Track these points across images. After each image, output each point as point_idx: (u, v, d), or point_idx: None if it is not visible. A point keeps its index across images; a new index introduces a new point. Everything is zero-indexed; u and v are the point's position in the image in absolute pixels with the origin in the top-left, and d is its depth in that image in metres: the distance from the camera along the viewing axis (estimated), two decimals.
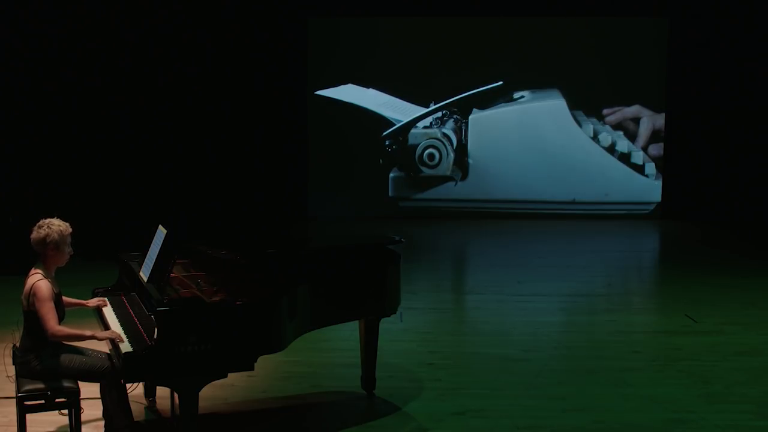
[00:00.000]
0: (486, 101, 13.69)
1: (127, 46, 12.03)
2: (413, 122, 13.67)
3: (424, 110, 13.71)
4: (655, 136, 13.67)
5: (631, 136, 13.69)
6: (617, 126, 13.71)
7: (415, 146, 13.74)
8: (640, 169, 13.73)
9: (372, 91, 13.66)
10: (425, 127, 13.74)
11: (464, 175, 13.81)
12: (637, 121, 13.69)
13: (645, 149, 13.65)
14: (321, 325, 4.93)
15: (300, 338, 4.72)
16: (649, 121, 13.61)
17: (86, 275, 6.58)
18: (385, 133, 13.68)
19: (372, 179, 13.79)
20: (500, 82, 13.54)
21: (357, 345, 5.57)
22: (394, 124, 13.73)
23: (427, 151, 13.69)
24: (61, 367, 4.37)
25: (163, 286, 4.55)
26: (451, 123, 13.70)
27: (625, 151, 13.70)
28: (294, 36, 13.37)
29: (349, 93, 13.68)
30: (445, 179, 13.79)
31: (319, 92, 13.68)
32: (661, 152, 13.66)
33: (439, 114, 13.71)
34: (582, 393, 5.69)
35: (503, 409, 5.38)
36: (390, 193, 13.89)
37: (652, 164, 13.70)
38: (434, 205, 13.84)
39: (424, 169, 13.75)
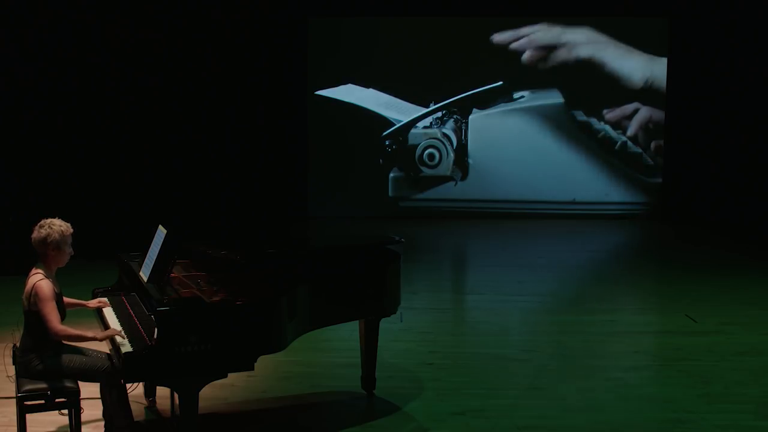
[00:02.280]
0: (486, 101, 13.69)
1: (127, 47, 12.03)
2: (413, 122, 13.67)
3: (424, 110, 13.71)
4: (655, 136, 13.66)
5: (630, 135, 13.69)
6: (617, 125, 13.70)
7: (415, 146, 13.74)
8: (640, 169, 13.73)
9: (372, 91, 13.66)
10: (425, 127, 13.75)
11: (464, 175, 13.81)
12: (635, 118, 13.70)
13: (636, 138, 13.61)
14: (321, 325, 4.94)
15: (300, 338, 4.72)
16: (647, 111, 13.58)
17: (86, 275, 6.58)
18: (384, 133, 13.68)
19: (372, 179, 13.79)
20: (500, 83, 13.54)
21: (357, 345, 5.58)
22: (394, 124, 13.72)
23: (427, 151, 13.69)
24: (61, 367, 4.37)
25: (163, 286, 4.55)
26: (451, 123, 13.70)
27: (625, 151, 13.70)
28: (294, 35, 13.37)
29: (349, 93, 13.68)
30: (445, 179, 13.79)
31: (320, 92, 13.69)
32: (661, 152, 13.66)
33: (439, 114, 13.71)
34: (582, 393, 5.69)
35: (503, 409, 5.38)
36: (390, 193, 13.89)
37: (652, 164, 13.70)
38: (434, 205, 13.83)
39: (424, 169, 13.75)
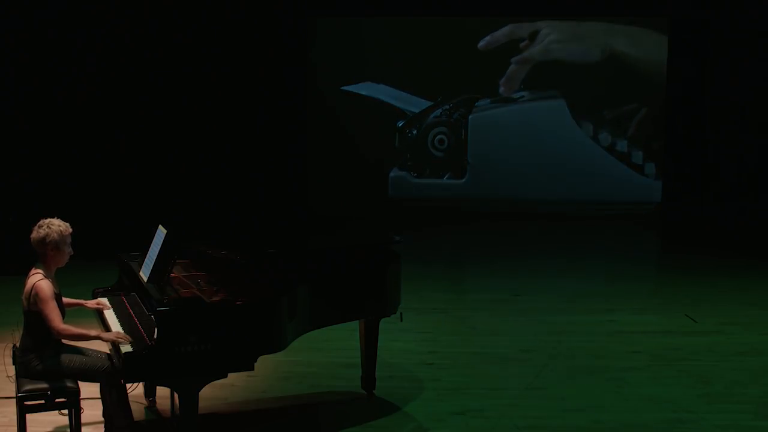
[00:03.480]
0: (486, 100, 13.70)
1: (128, 45, 12.02)
2: (427, 111, 13.73)
3: (430, 103, 13.79)
4: (655, 136, 13.65)
5: (629, 135, 13.69)
6: (617, 125, 13.70)
7: (427, 132, 13.79)
8: (640, 169, 13.72)
9: (385, 88, 13.76)
10: (435, 117, 13.80)
11: (464, 175, 13.81)
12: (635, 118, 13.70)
13: (636, 138, 13.61)
14: (321, 325, 4.94)
15: (300, 338, 4.72)
16: (647, 112, 13.58)
17: (86, 275, 6.58)
18: (401, 124, 13.75)
19: (372, 178, 13.79)
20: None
21: (357, 345, 5.58)
22: (400, 119, 13.78)
23: (437, 137, 13.76)
24: (61, 367, 4.37)
25: (163, 286, 4.55)
26: (455, 118, 13.76)
27: (625, 151, 13.70)
28: (293, 34, 13.36)
29: (368, 89, 13.79)
30: (447, 167, 13.77)
31: (321, 93, 13.69)
32: (662, 151, 13.66)
33: (447, 106, 13.76)
34: (582, 393, 5.70)
35: (503, 409, 5.38)
36: (390, 193, 13.89)
37: (652, 164, 13.70)
38: (434, 205, 13.83)
39: (434, 152, 13.78)
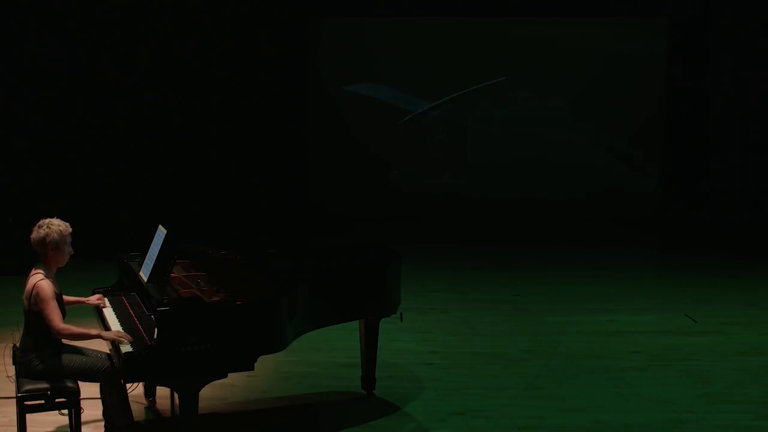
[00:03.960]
0: (486, 100, 13.70)
1: (129, 45, 12.00)
2: (427, 111, 13.74)
3: (429, 105, 13.79)
4: (655, 138, 13.65)
5: (629, 135, 13.68)
6: (617, 126, 13.68)
7: (427, 132, 13.80)
8: (639, 169, 13.71)
9: (385, 88, 13.78)
10: (435, 117, 13.81)
11: (464, 175, 13.81)
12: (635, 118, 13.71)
13: (636, 140, 13.60)
14: (321, 325, 4.94)
15: (300, 338, 4.73)
16: (647, 113, 13.57)
17: (86, 275, 6.59)
18: (404, 119, 13.76)
19: (372, 178, 13.78)
20: (502, 78, 13.55)
21: (357, 345, 5.58)
22: (400, 119, 13.80)
23: (438, 137, 13.78)
24: (61, 367, 4.38)
25: (163, 286, 4.55)
26: (456, 116, 13.80)
27: (625, 151, 13.70)
28: (295, 33, 13.36)
29: (368, 89, 13.80)
30: (447, 167, 13.78)
31: (321, 93, 13.70)
32: (662, 151, 13.65)
33: (448, 106, 13.77)
34: (582, 393, 5.70)
35: (503, 409, 5.38)
36: (390, 193, 13.88)
37: (652, 164, 13.69)
38: (434, 206, 13.82)
39: (434, 152, 13.80)
